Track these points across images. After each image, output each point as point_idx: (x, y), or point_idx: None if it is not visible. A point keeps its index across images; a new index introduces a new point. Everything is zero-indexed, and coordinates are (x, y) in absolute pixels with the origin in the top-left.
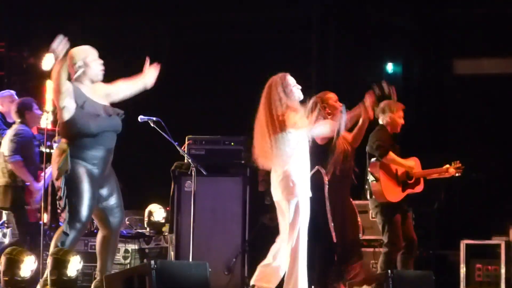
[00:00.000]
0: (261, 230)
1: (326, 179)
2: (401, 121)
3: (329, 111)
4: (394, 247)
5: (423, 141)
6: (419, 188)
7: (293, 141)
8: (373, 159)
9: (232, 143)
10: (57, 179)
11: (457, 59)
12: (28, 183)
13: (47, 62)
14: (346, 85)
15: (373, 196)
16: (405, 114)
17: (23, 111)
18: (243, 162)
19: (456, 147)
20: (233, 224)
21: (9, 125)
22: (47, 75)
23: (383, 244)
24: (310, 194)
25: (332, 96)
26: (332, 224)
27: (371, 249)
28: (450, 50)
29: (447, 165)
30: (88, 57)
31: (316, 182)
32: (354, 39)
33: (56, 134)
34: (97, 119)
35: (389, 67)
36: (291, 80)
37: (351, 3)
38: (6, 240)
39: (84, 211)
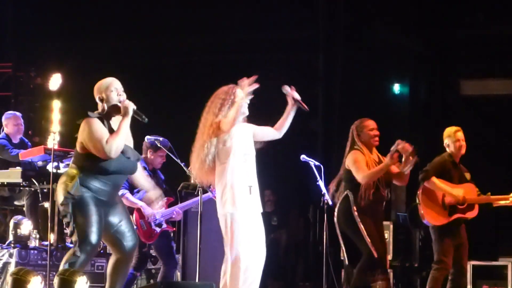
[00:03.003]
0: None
1: (353, 203)
2: (459, 143)
3: (363, 140)
4: (441, 266)
5: (428, 162)
6: (471, 214)
7: (225, 150)
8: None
9: None
10: (62, 204)
11: (464, 79)
12: None
13: (54, 82)
14: (353, 105)
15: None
16: (409, 134)
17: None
18: None
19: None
20: None
21: (15, 145)
22: (54, 95)
23: (432, 263)
24: (258, 209)
25: (368, 124)
26: (369, 240)
27: None
28: (456, 71)
29: None
30: (106, 88)
31: (344, 206)
32: (361, 59)
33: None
34: (116, 160)
35: (396, 87)
36: (239, 92)
37: (358, 24)
38: (12, 261)
39: (94, 233)
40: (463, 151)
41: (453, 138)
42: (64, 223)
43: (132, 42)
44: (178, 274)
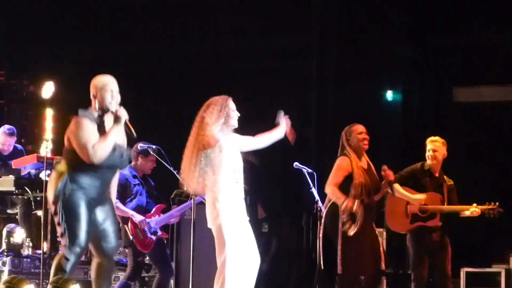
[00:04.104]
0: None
1: (341, 212)
2: (429, 153)
3: (352, 144)
4: (415, 275)
5: None
6: (432, 223)
7: (217, 161)
8: None
9: None
10: (54, 202)
11: (456, 86)
12: None
13: (47, 90)
14: (346, 113)
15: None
16: (402, 141)
17: None
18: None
19: (455, 174)
20: None
21: (6, 157)
22: (46, 103)
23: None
24: (242, 218)
25: (356, 129)
26: (341, 255)
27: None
28: (449, 78)
29: (474, 204)
30: (102, 87)
31: (332, 210)
32: (354, 66)
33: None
34: (109, 156)
35: (389, 94)
36: (231, 104)
37: (351, 31)
38: (5, 269)
39: (82, 235)
40: (434, 161)
41: (427, 147)
42: (56, 223)
43: (125, 50)
44: (171, 282)
